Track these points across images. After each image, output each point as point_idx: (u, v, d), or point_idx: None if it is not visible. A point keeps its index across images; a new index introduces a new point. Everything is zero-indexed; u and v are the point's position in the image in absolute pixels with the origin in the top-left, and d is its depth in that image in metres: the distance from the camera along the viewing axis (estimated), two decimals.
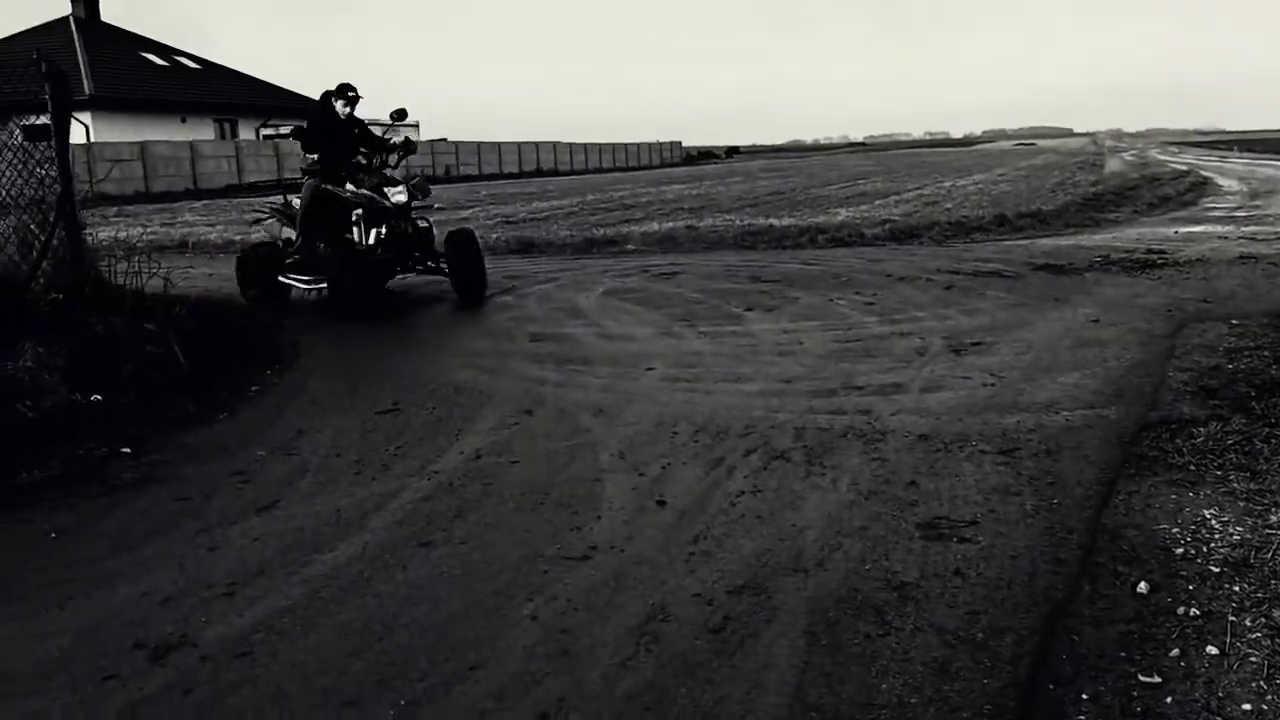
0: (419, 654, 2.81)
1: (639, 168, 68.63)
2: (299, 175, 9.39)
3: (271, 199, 9.07)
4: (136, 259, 6.49)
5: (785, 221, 15.32)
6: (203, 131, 41.07)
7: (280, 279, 8.79)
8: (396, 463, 4.52)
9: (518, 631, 2.93)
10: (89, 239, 6.20)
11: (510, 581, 3.27)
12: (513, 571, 3.34)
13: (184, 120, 40.45)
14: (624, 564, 3.37)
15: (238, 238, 16.01)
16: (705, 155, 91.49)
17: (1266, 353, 5.72)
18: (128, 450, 4.76)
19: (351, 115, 9.09)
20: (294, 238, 8.96)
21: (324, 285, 8.33)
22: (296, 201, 9.03)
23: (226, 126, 43.21)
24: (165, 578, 3.37)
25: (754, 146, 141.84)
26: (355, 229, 8.46)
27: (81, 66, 36.41)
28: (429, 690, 2.62)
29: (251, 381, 6.05)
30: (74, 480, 4.39)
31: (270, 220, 9.52)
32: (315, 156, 8.99)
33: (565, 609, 3.06)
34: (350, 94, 8.98)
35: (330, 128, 8.90)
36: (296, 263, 8.81)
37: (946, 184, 26.09)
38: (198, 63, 44.64)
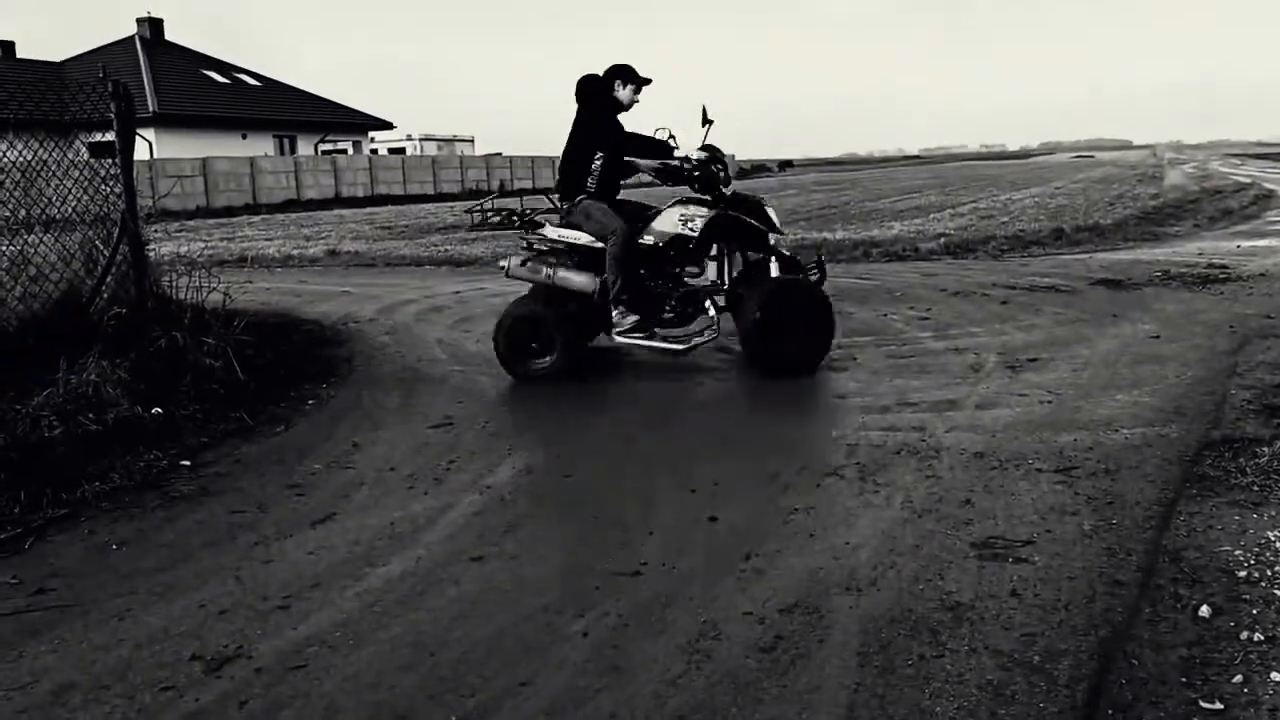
0: (470, 669, 2.83)
1: None
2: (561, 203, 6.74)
3: (527, 236, 6.56)
4: (197, 274, 6.63)
5: (838, 235, 15.25)
6: (263, 147, 41.85)
7: (613, 335, 6.38)
8: (449, 476, 4.55)
9: (568, 647, 2.93)
10: (151, 254, 6.33)
11: (561, 597, 3.28)
12: (563, 587, 3.35)
13: (244, 136, 41.24)
14: (675, 580, 3.36)
15: (295, 252, 16.30)
16: (758, 168, 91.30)
17: None
18: (186, 463, 4.85)
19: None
20: (608, 281, 6.29)
21: (706, 340, 6.38)
22: (568, 235, 6.44)
23: (286, 143, 43.99)
24: (222, 590, 3.42)
25: (807, 159, 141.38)
26: (716, 262, 6.51)
27: (146, 84, 37.30)
28: (480, 706, 2.64)
29: (307, 395, 6.13)
30: (134, 492, 4.48)
31: (525, 265, 6.51)
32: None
33: (616, 624, 3.06)
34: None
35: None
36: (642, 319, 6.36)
37: (1002, 197, 25.79)
38: (258, 80, 45.53)
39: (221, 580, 3.50)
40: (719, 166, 6.50)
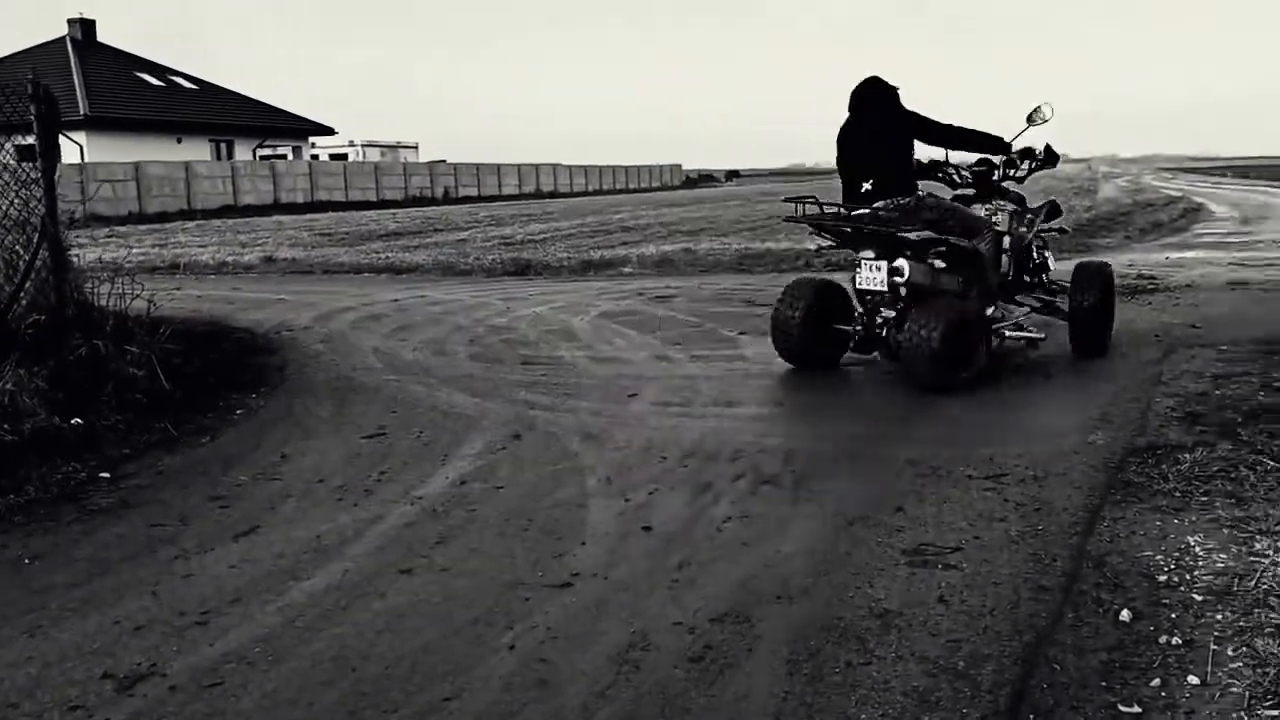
0: (394, 684, 2.77)
1: (639, 190, 68.84)
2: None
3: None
4: (121, 280, 6.47)
5: (782, 245, 15.33)
6: (198, 152, 41.17)
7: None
8: (380, 488, 4.48)
9: (496, 660, 2.89)
10: (75, 260, 6.17)
11: (490, 609, 3.23)
12: (493, 599, 3.30)
13: (180, 141, 40.57)
14: (607, 591, 3.33)
15: (230, 258, 16.03)
16: (705, 178, 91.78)
17: (1254, 379, 5.70)
18: (106, 475, 4.71)
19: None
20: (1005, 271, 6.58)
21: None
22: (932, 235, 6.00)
23: (223, 147, 43.33)
24: (138, 605, 3.32)
25: (754, 170, 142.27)
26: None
27: (77, 86, 36.56)
28: None
29: (235, 405, 6.01)
30: (50, 504, 4.34)
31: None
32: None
33: (545, 637, 3.02)
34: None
35: None
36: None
37: None
38: (194, 83, 44.83)
39: (138, 595, 3.40)
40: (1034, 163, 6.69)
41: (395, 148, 60.15)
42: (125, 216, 31.86)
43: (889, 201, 6.02)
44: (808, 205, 5.98)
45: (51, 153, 5.63)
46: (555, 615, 3.16)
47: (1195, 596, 3.09)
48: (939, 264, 6.01)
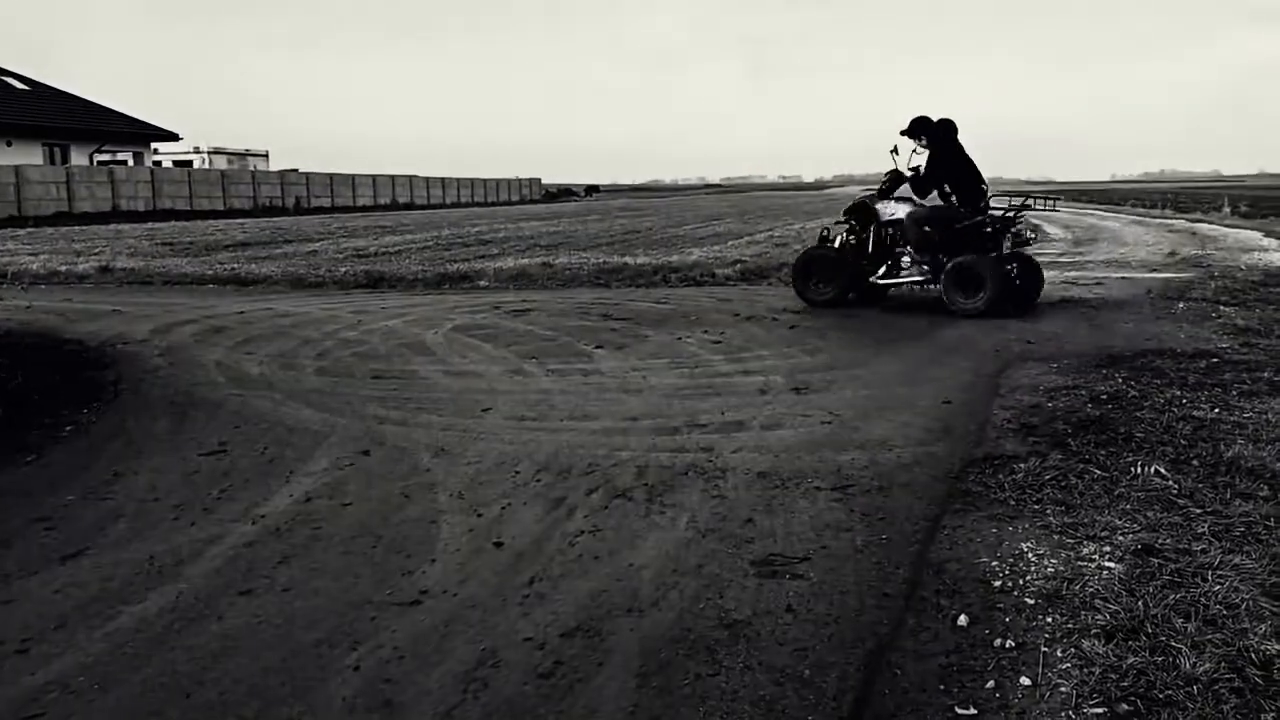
0: (229, 710, 2.66)
1: (498, 203, 68.42)
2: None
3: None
4: None
5: (640, 260, 15.45)
6: (29, 156, 38.99)
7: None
8: (220, 506, 4.31)
9: (339, 682, 2.80)
10: None
11: (335, 629, 3.13)
12: (338, 619, 3.21)
13: (9, 144, 38.34)
14: (456, 608, 3.27)
15: (63, 268, 15.23)
16: (565, 193, 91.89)
17: (1083, 391, 6.01)
18: None
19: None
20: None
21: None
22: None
23: (57, 151, 41.15)
24: None
25: (614, 185, 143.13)
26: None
27: None
28: None
29: (65, 421, 5.69)
30: None
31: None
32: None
33: (391, 657, 2.95)
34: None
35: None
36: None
37: (796, 226, 26.82)
38: (25, 83, 42.45)
39: None
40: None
41: (244, 155, 58.30)
42: None
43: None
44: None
45: None
46: (402, 634, 3.09)
47: (1028, 600, 3.23)
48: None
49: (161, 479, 4.68)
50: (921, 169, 9.91)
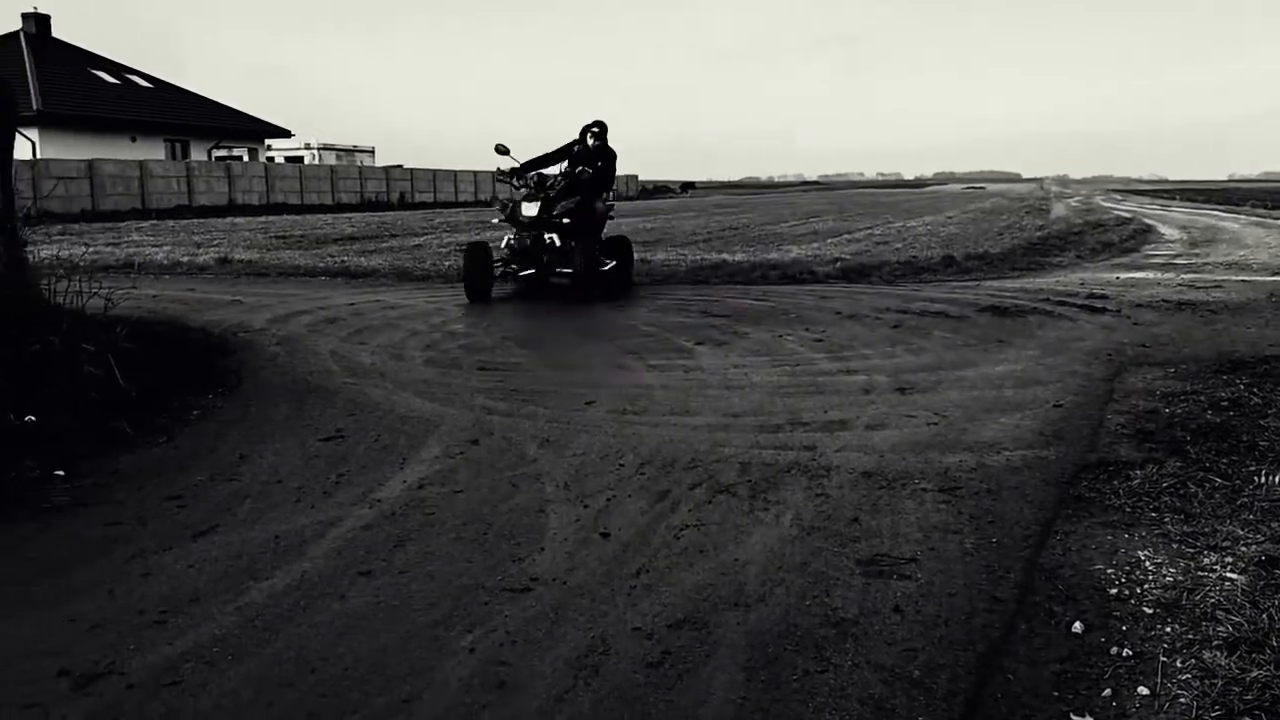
0: (353, 686, 2.77)
1: None
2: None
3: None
4: (78, 278, 6.38)
5: (738, 257, 15.44)
6: (153, 151, 40.62)
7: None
8: (338, 490, 4.46)
9: (454, 663, 2.89)
10: (30, 256, 6.07)
11: (449, 612, 3.23)
12: (452, 602, 3.31)
13: (134, 139, 40.01)
14: (566, 596, 3.35)
15: (185, 259, 15.84)
16: (660, 189, 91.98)
17: (1202, 397, 5.84)
18: (60, 473, 4.65)
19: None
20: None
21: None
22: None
23: (178, 147, 42.78)
24: (94, 604, 3.29)
25: (710, 182, 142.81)
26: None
27: (30, 82, 35.94)
28: None
29: (192, 406, 5.95)
30: (3, 502, 4.27)
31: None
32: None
33: (504, 640, 3.03)
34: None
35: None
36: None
37: (897, 224, 26.46)
38: (150, 81, 44.23)
39: (94, 594, 3.37)
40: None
41: (352, 151, 59.69)
42: (78, 214, 31.34)
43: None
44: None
45: (8, 148, 5.54)
46: (514, 619, 3.17)
47: (1145, 609, 3.17)
48: None
49: (283, 462, 4.87)
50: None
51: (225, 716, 2.61)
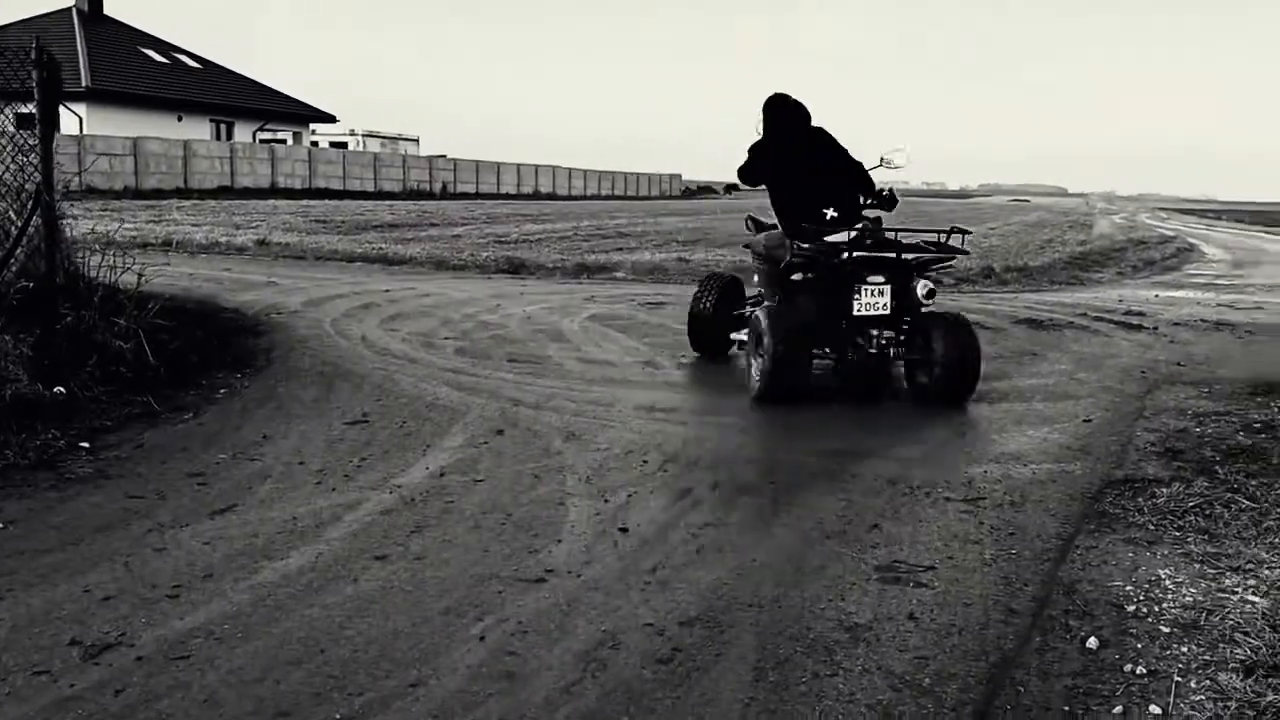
0: (360, 668, 2.77)
1: (638, 198, 68.89)
2: None
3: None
4: (112, 253, 6.44)
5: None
6: (198, 131, 41.04)
7: None
8: (360, 474, 4.48)
9: (464, 650, 2.89)
10: (68, 230, 6.14)
11: (462, 600, 3.23)
12: (466, 590, 3.30)
13: (180, 119, 40.42)
14: (579, 589, 3.34)
15: (224, 239, 16.00)
16: (704, 190, 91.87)
17: (1234, 418, 5.74)
18: (85, 445, 4.70)
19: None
20: None
21: None
22: None
23: (223, 128, 43.20)
24: (109, 576, 3.31)
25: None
26: None
27: (80, 58, 36.39)
28: (366, 705, 2.58)
29: (220, 384, 5.99)
30: (27, 471, 4.32)
31: None
32: None
33: (515, 630, 3.02)
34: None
35: None
36: None
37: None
38: (198, 61, 44.67)
39: (110, 566, 3.39)
40: None
41: (396, 139, 60.06)
42: (121, 191, 31.75)
43: (863, 226, 6.22)
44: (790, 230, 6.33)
45: (51, 120, 5.59)
46: (527, 610, 3.16)
47: (1163, 628, 3.12)
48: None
49: (307, 444, 4.90)
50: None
51: (231, 692, 2.62)
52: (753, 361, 6.12)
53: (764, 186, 6.74)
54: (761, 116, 6.77)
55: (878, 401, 6.22)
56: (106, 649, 2.82)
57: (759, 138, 6.77)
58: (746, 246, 7.40)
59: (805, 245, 6.10)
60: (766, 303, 6.65)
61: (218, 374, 6.20)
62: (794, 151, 6.65)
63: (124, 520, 3.83)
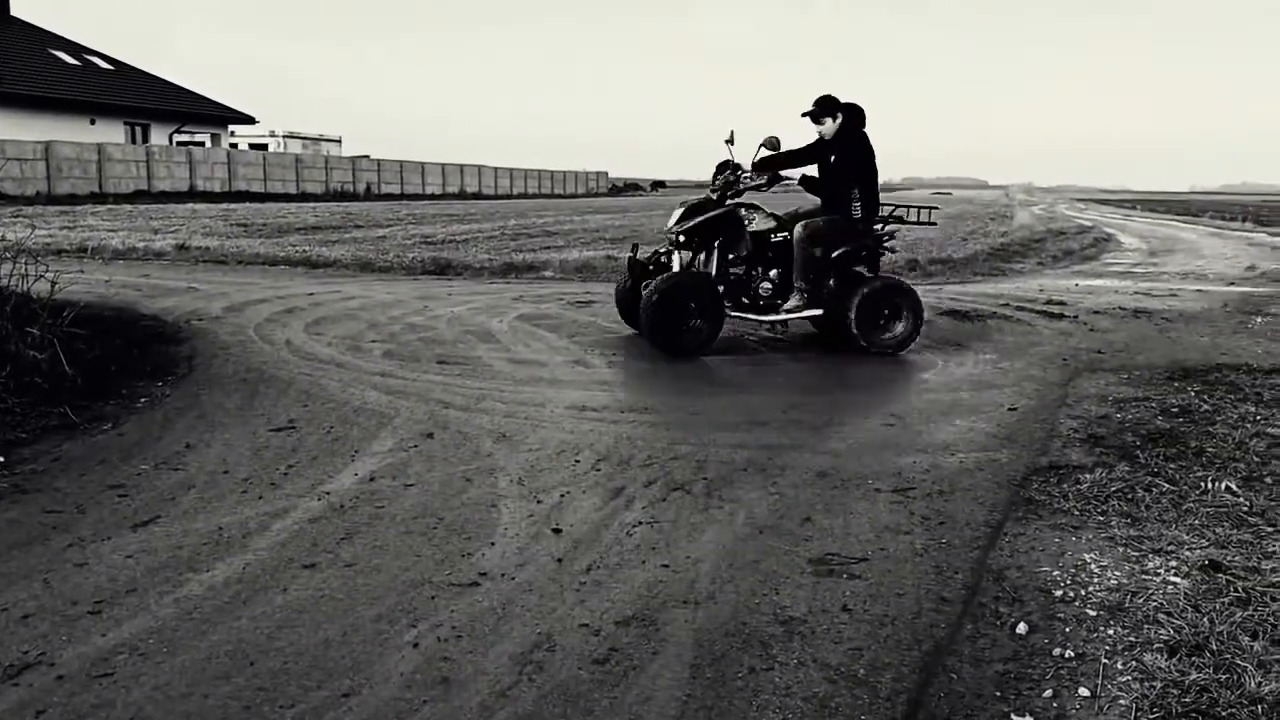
0: (291, 679, 2.71)
1: (564, 195, 68.74)
2: None
3: None
4: (24, 260, 6.24)
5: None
6: (113, 134, 39.99)
7: None
8: (287, 482, 4.39)
9: (397, 658, 2.85)
10: None
11: (395, 607, 3.18)
12: (398, 596, 3.26)
13: (93, 122, 39.34)
14: (514, 591, 3.31)
15: (141, 244, 15.60)
16: (631, 187, 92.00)
17: (1153, 404, 5.90)
18: (0, 459, 4.55)
19: None
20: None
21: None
22: None
23: (138, 130, 42.14)
24: (27, 593, 3.21)
25: (680, 181, 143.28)
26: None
27: None
28: (297, 717, 2.53)
29: (140, 393, 5.84)
30: None
31: None
32: None
33: (449, 636, 2.99)
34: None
35: None
36: None
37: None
38: (110, 63, 43.50)
39: (28, 583, 3.28)
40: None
41: (318, 140, 59.18)
42: (33, 197, 30.82)
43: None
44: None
45: None
46: (460, 614, 3.13)
47: (1089, 612, 3.19)
48: None
49: (231, 453, 4.79)
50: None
51: (157, 709, 2.55)
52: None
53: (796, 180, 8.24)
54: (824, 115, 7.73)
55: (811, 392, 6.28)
56: (26, 669, 2.73)
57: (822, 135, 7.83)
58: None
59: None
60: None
61: (138, 383, 6.03)
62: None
63: (42, 535, 3.70)
